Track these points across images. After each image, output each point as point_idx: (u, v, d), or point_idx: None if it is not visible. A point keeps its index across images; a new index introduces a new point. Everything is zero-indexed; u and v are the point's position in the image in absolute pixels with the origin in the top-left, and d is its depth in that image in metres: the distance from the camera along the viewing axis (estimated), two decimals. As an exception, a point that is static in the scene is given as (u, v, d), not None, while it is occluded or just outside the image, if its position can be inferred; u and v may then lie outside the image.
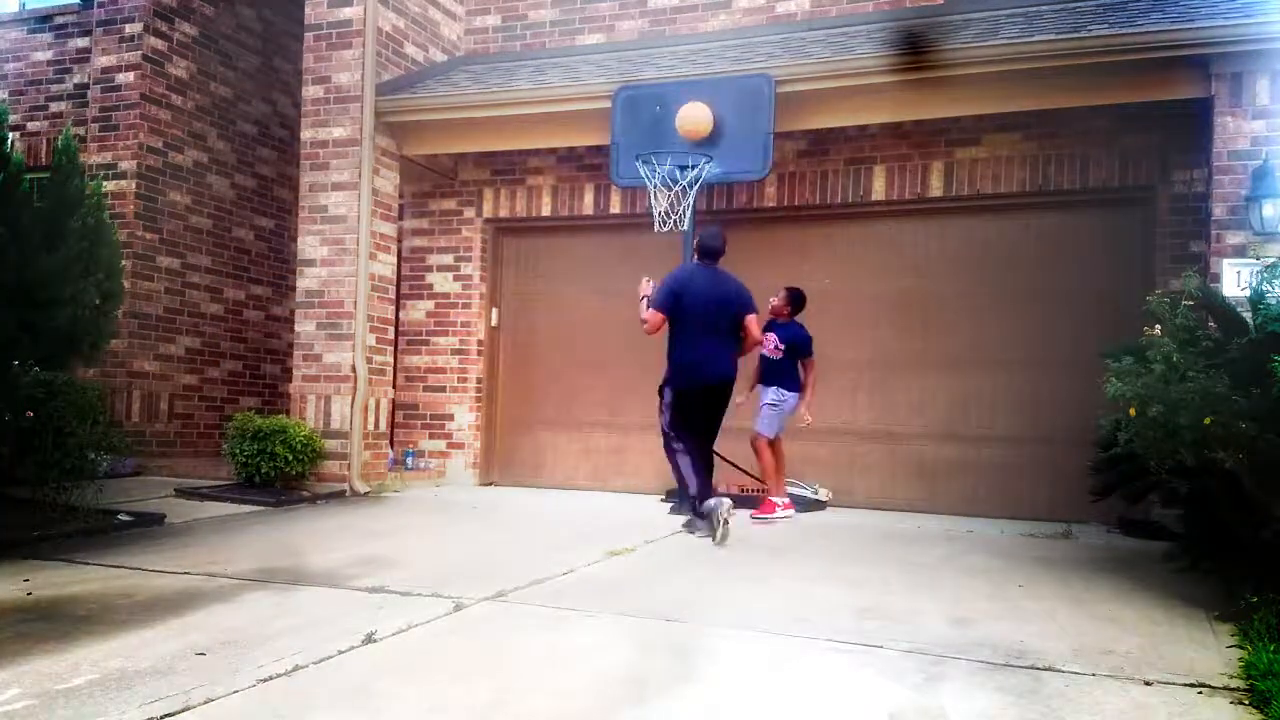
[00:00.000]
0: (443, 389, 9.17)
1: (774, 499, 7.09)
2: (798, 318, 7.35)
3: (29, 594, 4.34)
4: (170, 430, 9.46)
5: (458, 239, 9.25)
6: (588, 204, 8.85)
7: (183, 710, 2.89)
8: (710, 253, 6.43)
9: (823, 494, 7.83)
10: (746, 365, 6.94)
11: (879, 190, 7.99)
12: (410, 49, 8.81)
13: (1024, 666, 3.45)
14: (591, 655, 3.57)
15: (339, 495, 7.78)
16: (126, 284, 7.87)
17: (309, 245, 8.32)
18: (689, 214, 7.32)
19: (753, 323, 6.37)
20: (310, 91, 8.39)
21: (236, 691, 3.06)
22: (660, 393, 6.35)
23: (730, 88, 7.44)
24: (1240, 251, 6.21)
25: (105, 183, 8.63)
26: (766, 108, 7.26)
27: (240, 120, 10.25)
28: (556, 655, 3.56)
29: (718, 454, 7.81)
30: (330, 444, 7.96)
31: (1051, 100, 7.04)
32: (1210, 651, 3.70)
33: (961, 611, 4.25)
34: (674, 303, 6.19)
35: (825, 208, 8.21)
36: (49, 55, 10.27)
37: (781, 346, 7.15)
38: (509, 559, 5.34)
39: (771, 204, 8.31)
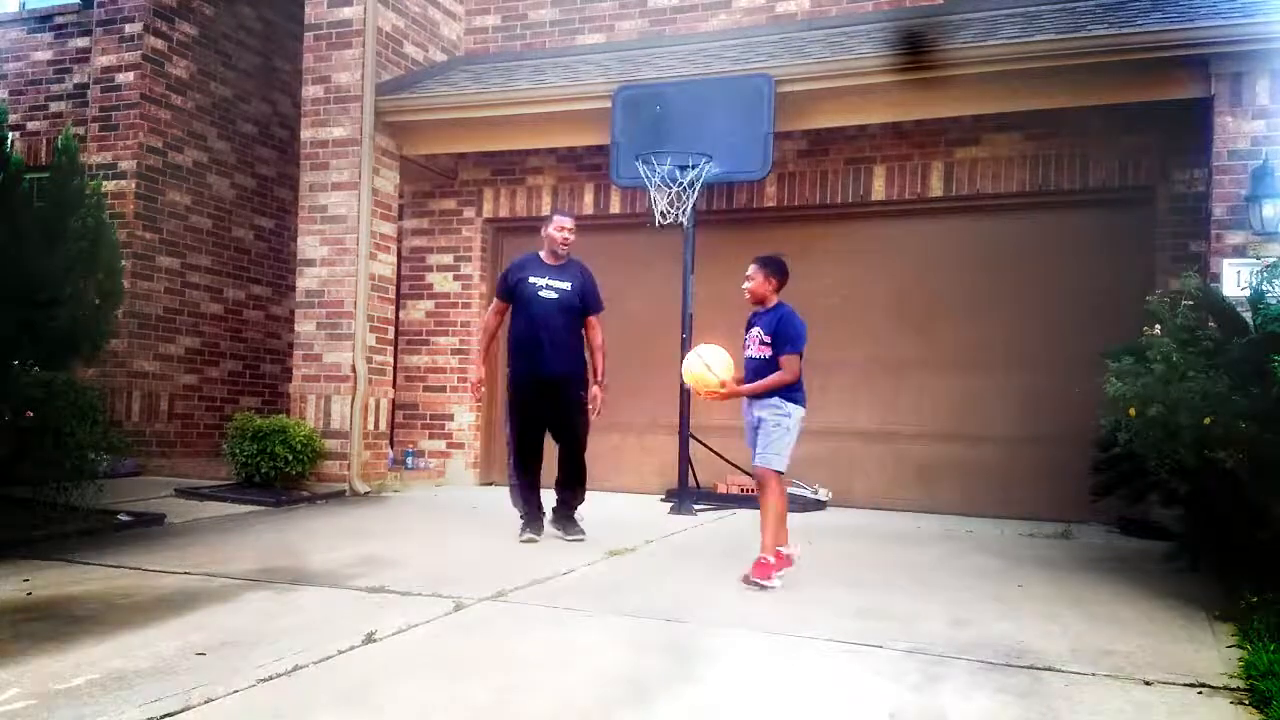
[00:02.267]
0: (443, 389, 9.17)
1: (768, 556, 4.75)
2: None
3: (29, 594, 4.33)
4: (170, 430, 9.46)
5: (458, 239, 9.25)
6: (588, 204, 8.85)
7: (183, 710, 2.89)
8: None
9: (823, 494, 7.83)
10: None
11: (879, 190, 8.00)
12: (410, 49, 8.81)
13: (1024, 666, 3.45)
14: (591, 655, 3.57)
15: (339, 495, 7.78)
16: (126, 284, 7.86)
17: (309, 245, 8.32)
18: (689, 213, 7.32)
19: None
20: (310, 91, 8.39)
21: (236, 691, 3.06)
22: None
23: (730, 88, 7.44)
24: (1240, 251, 6.21)
25: (105, 183, 8.62)
26: (766, 108, 7.26)
27: (240, 120, 10.25)
28: (556, 655, 3.56)
29: (715, 452, 7.84)
30: (330, 444, 7.96)
31: (1051, 100, 7.04)
32: (1210, 651, 3.69)
33: (961, 611, 4.25)
34: None
35: (825, 208, 8.21)
36: (49, 55, 10.27)
37: (768, 340, 4.93)
38: (509, 559, 5.34)
39: (771, 204, 8.31)
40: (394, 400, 8.92)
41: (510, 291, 5.98)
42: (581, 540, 5.83)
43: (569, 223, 6.00)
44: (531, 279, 5.90)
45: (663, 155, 7.29)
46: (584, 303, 6.02)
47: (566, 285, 5.91)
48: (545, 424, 5.97)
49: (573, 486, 6.05)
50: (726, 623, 3.99)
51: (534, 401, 5.91)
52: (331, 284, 8.21)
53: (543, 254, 6.01)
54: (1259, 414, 4.15)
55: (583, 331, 6.07)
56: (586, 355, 6.09)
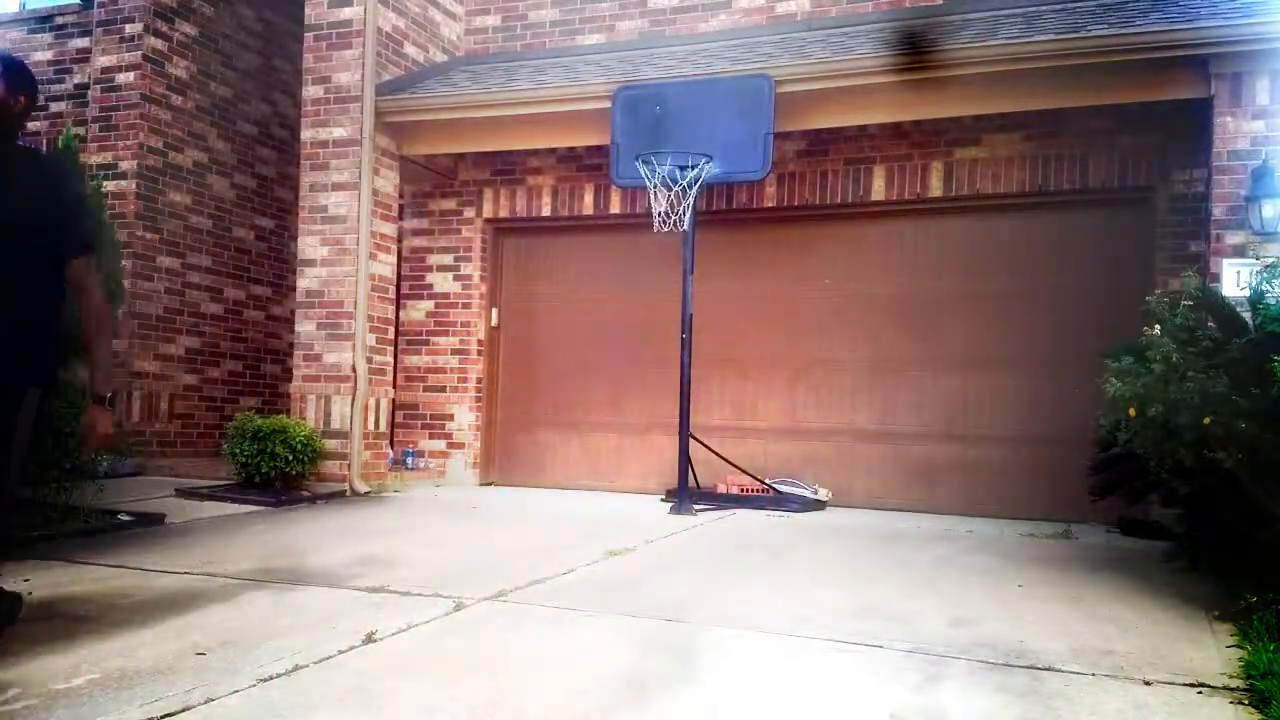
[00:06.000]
0: (443, 389, 9.17)
1: None
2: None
3: (29, 594, 4.33)
4: (170, 430, 9.46)
5: (458, 239, 9.25)
6: (588, 204, 8.86)
7: (183, 710, 2.89)
8: None
9: (823, 494, 7.84)
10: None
11: (879, 190, 8.00)
12: (410, 49, 8.81)
13: (1024, 666, 3.45)
14: (591, 655, 3.57)
15: (339, 495, 7.78)
16: (126, 284, 7.88)
17: (309, 245, 8.32)
18: (689, 214, 7.32)
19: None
20: (310, 91, 8.39)
21: (236, 691, 3.06)
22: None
23: (730, 88, 7.44)
24: (1240, 251, 6.21)
25: (105, 183, 8.63)
26: (766, 108, 7.26)
27: (240, 120, 10.25)
28: (556, 655, 3.56)
29: (715, 452, 7.84)
30: (330, 444, 7.97)
31: (1051, 100, 7.04)
32: (1210, 651, 3.69)
33: (961, 611, 4.26)
34: None
35: (825, 208, 8.21)
36: (49, 55, 10.27)
37: None
38: (509, 559, 5.34)
39: (771, 204, 8.31)
40: (394, 400, 8.92)
41: None
42: None
43: None
44: None
45: (663, 155, 7.29)
46: (38, 228, 3.22)
47: None
48: None
49: None
50: (726, 623, 3.99)
51: None
52: (331, 284, 8.21)
53: None
54: (1259, 414, 4.15)
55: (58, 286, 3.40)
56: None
